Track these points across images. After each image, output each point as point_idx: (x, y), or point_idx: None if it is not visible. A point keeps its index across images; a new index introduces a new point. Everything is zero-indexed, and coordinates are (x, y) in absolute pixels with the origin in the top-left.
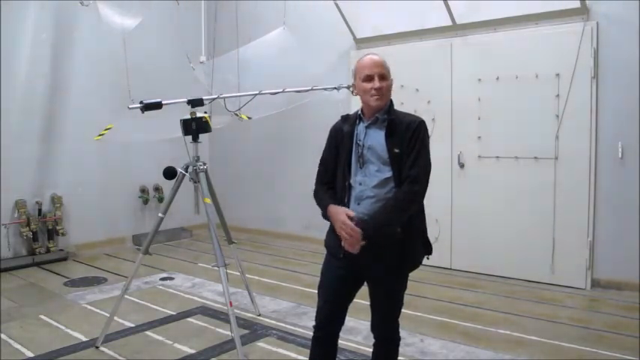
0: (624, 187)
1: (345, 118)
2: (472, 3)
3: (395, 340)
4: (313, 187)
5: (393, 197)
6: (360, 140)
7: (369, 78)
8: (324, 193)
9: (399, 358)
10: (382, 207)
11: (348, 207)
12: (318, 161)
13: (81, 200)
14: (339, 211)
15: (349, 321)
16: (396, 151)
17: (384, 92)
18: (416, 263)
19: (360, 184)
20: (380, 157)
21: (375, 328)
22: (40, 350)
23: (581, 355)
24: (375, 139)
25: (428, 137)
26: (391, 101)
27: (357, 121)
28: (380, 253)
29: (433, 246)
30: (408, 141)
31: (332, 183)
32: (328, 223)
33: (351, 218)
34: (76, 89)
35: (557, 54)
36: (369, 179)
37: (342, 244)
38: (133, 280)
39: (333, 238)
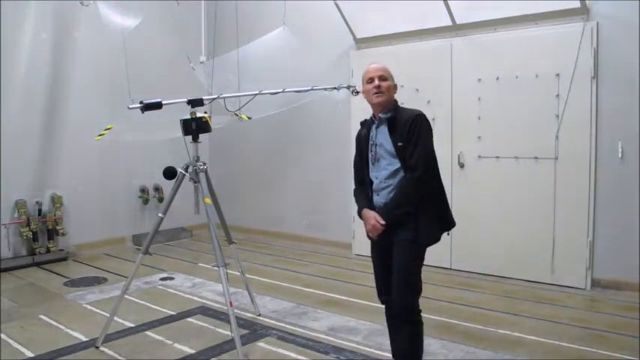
0: (624, 187)
1: (363, 124)
2: (472, 3)
3: (410, 318)
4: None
5: (399, 186)
6: (373, 140)
7: (371, 80)
8: (360, 193)
9: None
10: (393, 195)
11: (372, 199)
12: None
13: (81, 200)
14: (370, 216)
15: (349, 321)
16: (400, 144)
17: (384, 90)
18: (430, 239)
19: (376, 177)
20: (389, 151)
21: (393, 302)
22: (40, 350)
23: (581, 355)
24: (383, 137)
25: (425, 127)
26: (396, 101)
27: (371, 124)
28: (395, 231)
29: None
30: (407, 134)
31: (364, 181)
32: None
33: (372, 208)
34: (76, 89)
35: (557, 54)
36: (382, 172)
37: (366, 230)
38: (133, 280)
39: None
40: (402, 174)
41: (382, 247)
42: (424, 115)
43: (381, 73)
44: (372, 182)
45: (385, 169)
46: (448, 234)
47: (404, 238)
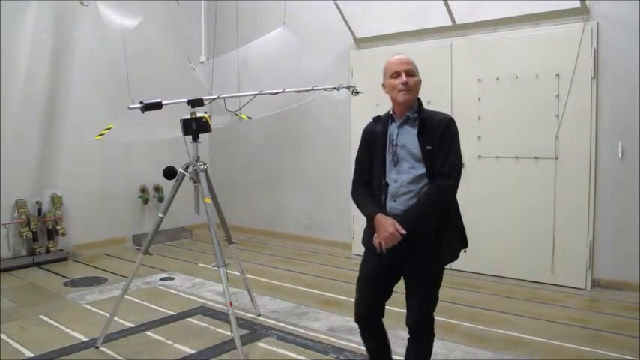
0: (624, 187)
1: (377, 120)
2: (472, 3)
3: (428, 334)
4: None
5: (427, 192)
6: (393, 139)
7: (396, 74)
8: (366, 197)
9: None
10: (416, 202)
11: (385, 204)
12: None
13: (81, 200)
14: (388, 223)
15: (349, 321)
16: (429, 148)
17: (411, 87)
18: (452, 256)
19: (396, 181)
20: (413, 154)
21: (409, 321)
22: (40, 350)
23: (581, 355)
24: (407, 138)
25: (458, 133)
26: (420, 100)
27: (390, 122)
28: (416, 246)
29: None
30: (440, 138)
31: (368, 182)
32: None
33: (386, 214)
34: (76, 89)
35: (557, 54)
36: (404, 176)
37: (375, 238)
38: (133, 280)
39: (370, 236)
40: (426, 180)
41: (384, 261)
42: (455, 121)
43: (408, 67)
44: (386, 185)
45: (408, 172)
46: (465, 251)
47: (426, 255)
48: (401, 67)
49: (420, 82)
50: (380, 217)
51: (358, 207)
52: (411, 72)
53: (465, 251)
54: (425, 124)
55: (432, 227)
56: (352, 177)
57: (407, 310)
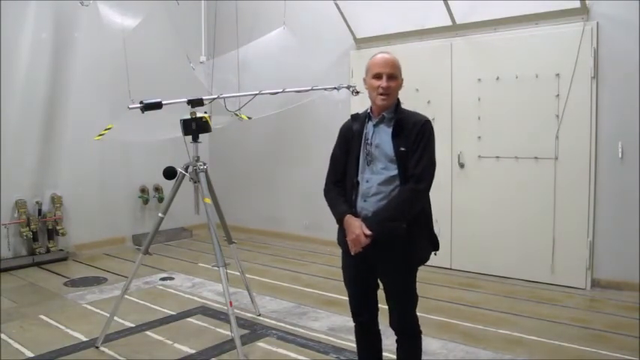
0: (624, 187)
1: (355, 117)
2: (472, 3)
3: (414, 333)
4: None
5: (397, 195)
6: (368, 138)
7: (378, 76)
8: (337, 195)
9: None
10: (386, 204)
11: (355, 203)
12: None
13: (81, 200)
14: (356, 225)
15: (349, 321)
16: (402, 149)
17: (391, 92)
18: (422, 259)
19: (367, 181)
20: (387, 155)
21: (393, 323)
22: (40, 350)
23: (581, 355)
24: (382, 138)
25: (433, 136)
26: (398, 100)
27: (367, 120)
28: (386, 249)
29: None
30: (414, 140)
31: (342, 180)
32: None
33: (356, 215)
34: (76, 89)
35: (557, 54)
36: (376, 176)
37: (347, 240)
38: (133, 280)
39: (343, 236)
40: (397, 182)
41: (359, 259)
42: (431, 123)
43: (390, 70)
44: (357, 184)
45: (381, 173)
46: (435, 254)
47: (397, 257)
48: (384, 69)
49: (401, 83)
50: (349, 219)
51: (329, 205)
52: (393, 75)
53: (435, 254)
54: (401, 124)
55: (403, 230)
56: (326, 174)
57: (389, 312)
